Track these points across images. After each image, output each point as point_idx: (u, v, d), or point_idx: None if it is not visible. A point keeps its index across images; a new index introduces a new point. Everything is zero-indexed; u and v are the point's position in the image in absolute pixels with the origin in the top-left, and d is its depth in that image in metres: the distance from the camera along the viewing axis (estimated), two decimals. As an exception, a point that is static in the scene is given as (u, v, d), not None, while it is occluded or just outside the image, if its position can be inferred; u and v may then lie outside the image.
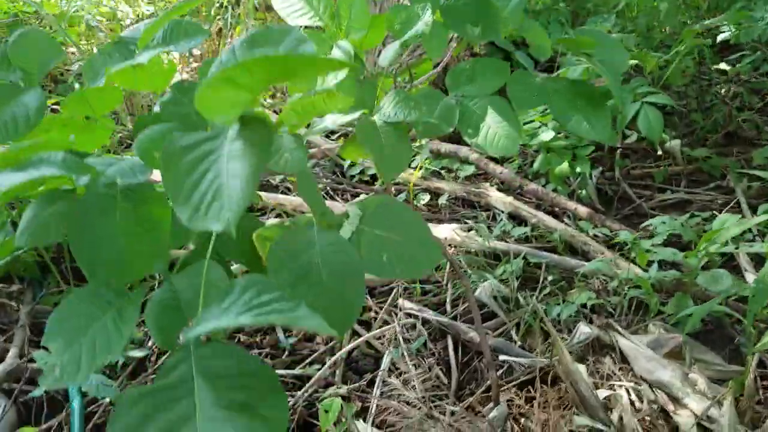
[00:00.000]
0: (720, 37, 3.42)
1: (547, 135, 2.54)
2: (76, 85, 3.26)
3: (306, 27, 1.26)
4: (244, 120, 0.77)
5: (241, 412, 0.72)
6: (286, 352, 1.94)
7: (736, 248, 1.91)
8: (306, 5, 1.26)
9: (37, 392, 1.70)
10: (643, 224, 2.33)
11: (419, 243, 0.99)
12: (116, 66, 1.09)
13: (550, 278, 2.14)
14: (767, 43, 3.40)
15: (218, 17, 4.29)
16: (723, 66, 3.56)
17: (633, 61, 2.85)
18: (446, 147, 2.87)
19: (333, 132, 3.26)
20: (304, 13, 1.26)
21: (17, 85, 1.18)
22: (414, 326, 1.98)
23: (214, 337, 0.84)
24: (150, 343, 1.90)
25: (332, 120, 1.14)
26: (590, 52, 1.42)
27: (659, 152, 3.01)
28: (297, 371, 1.85)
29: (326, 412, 1.60)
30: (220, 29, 4.20)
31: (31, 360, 1.80)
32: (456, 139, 3.02)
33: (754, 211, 2.56)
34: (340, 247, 0.95)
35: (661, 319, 1.94)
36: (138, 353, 1.81)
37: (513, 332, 1.96)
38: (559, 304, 1.99)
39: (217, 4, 4.33)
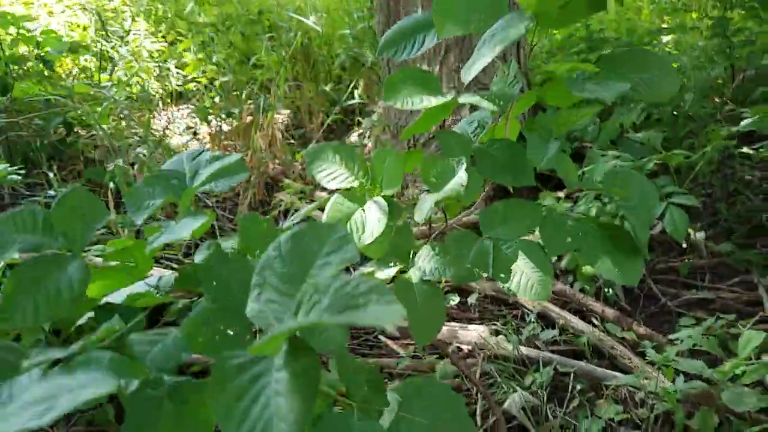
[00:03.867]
0: (743, 123, 3.47)
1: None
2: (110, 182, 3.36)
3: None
4: (291, 345, 0.84)
5: None
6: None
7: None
8: (341, 168, 1.35)
9: None
10: (672, 336, 2.34)
11: (456, 425, 1.04)
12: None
13: (578, 387, 2.17)
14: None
15: (250, 102, 4.46)
16: (746, 150, 3.61)
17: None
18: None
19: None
20: (338, 175, 1.35)
21: (61, 255, 1.24)
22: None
23: None
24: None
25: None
26: (622, 196, 1.47)
27: (684, 245, 3.05)
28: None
29: None
30: (252, 115, 4.35)
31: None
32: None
33: (781, 310, 2.57)
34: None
35: (689, 435, 1.95)
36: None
37: (543, 446, 1.98)
38: (588, 417, 2.01)
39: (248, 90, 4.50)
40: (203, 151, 1.67)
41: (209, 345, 1.05)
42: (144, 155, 3.47)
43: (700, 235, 3.05)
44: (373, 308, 0.79)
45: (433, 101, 1.34)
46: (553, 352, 2.37)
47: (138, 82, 4.88)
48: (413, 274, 1.32)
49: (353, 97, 4.13)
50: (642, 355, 2.34)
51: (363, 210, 1.32)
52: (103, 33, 5.71)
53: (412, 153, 1.58)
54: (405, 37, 1.47)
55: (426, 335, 1.26)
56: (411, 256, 1.40)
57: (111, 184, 3.27)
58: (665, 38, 4.83)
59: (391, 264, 1.38)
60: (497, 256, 1.40)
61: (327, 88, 4.27)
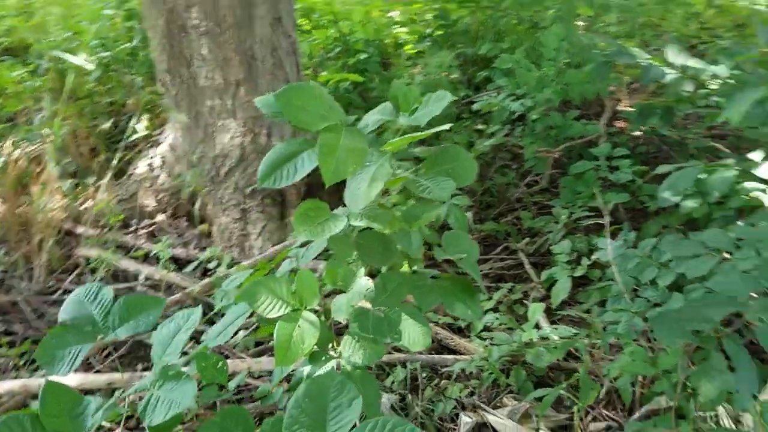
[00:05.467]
0: (475, 106, 4.32)
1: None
2: None
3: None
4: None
5: None
6: None
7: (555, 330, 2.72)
8: (274, 297, 1.70)
9: None
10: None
11: None
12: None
13: (424, 374, 2.78)
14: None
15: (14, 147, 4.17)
16: (480, 127, 4.50)
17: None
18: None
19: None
20: (273, 307, 1.70)
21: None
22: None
23: None
24: None
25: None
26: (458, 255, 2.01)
27: (460, 226, 3.80)
28: None
29: None
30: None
31: None
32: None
33: (535, 266, 3.47)
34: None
35: (510, 390, 2.68)
36: None
37: None
38: (441, 401, 2.63)
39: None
40: (101, 288, 1.84)
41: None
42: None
43: (469, 215, 3.83)
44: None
45: (335, 230, 1.73)
46: (399, 351, 2.94)
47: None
48: (347, 365, 1.74)
49: (136, 132, 4.15)
50: (460, 331, 3.04)
51: (299, 326, 1.69)
52: None
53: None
54: (279, 166, 1.79)
55: (371, 411, 1.70)
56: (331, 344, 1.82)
57: None
58: (401, 29, 5.55)
59: (323, 358, 1.78)
60: (389, 322, 1.87)
61: (107, 125, 4.21)
